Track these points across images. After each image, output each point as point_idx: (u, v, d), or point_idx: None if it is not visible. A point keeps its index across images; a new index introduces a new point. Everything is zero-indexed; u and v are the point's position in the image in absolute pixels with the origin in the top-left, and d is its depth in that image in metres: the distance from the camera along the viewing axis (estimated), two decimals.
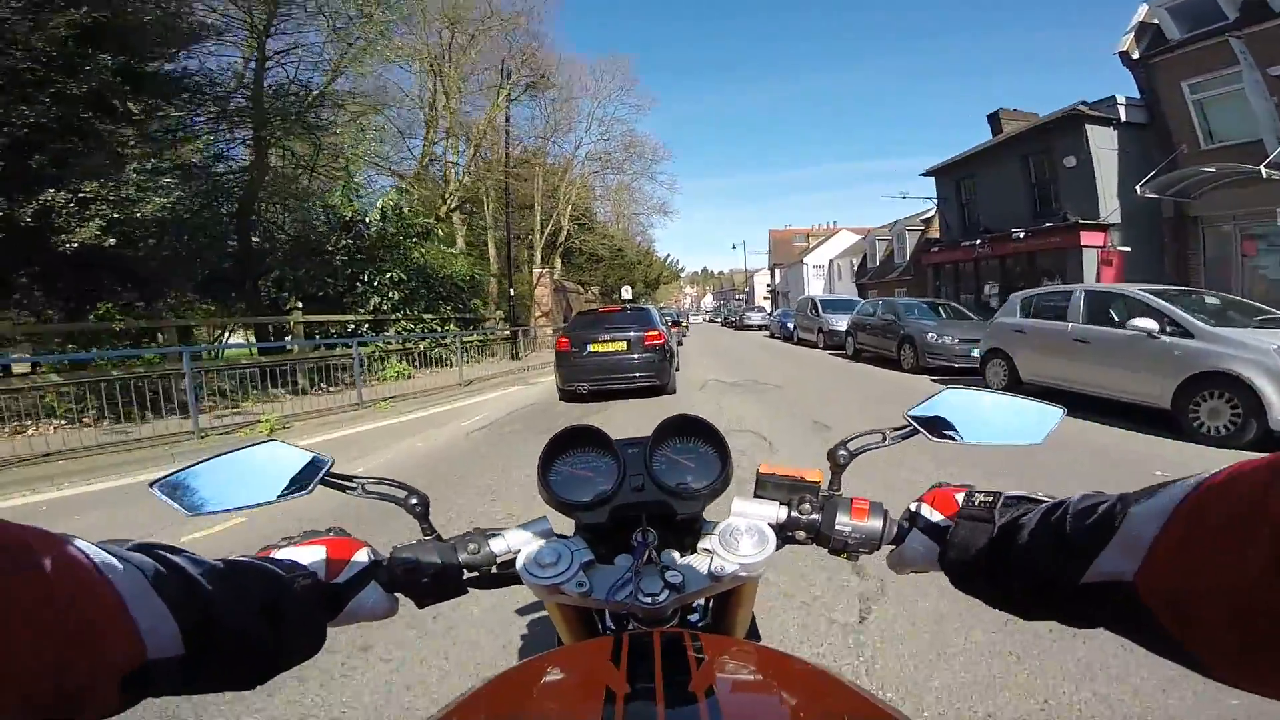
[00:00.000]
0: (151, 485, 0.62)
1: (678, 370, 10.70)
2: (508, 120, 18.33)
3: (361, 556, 0.61)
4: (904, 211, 27.86)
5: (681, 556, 0.67)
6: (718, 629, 0.75)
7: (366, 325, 12.53)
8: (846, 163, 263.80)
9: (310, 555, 0.58)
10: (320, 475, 0.67)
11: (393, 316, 12.96)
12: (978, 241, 17.61)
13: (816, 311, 19.74)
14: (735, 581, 0.64)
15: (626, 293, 26.60)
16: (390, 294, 12.76)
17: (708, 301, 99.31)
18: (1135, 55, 14.43)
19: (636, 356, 8.75)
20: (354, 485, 0.68)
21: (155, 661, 0.36)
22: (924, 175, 21.53)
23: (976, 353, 11.09)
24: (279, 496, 0.65)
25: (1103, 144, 14.71)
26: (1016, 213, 16.78)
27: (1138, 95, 14.68)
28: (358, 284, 12.35)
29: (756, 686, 0.49)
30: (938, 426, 0.71)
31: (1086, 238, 14.44)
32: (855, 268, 34.39)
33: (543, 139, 28.04)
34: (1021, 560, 0.47)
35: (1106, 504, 0.41)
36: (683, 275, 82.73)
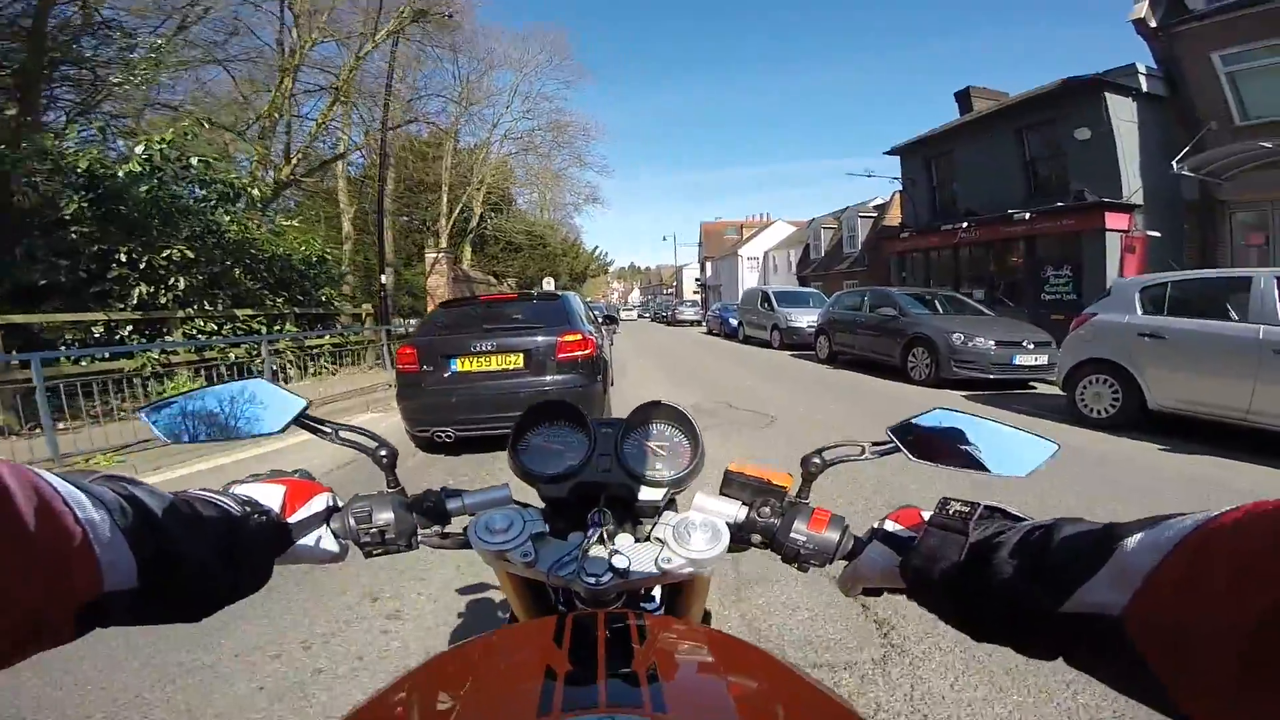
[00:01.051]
0: (138, 410, 0.69)
1: (612, 385, 7.11)
2: (392, 63, 13.91)
3: (319, 501, 0.62)
4: (855, 197, 25.44)
5: (634, 542, 0.65)
6: (670, 615, 0.74)
7: (130, 327, 8.09)
8: (780, 162, 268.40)
9: (270, 493, 0.59)
10: (295, 416, 0.67)
11: (178, 314, 8.54)
12: (964, 225, 14.89)
13: (769, 305, 16.69)
14: (682, 575, 0.63)
15: (549, 285, 22.63)
16: (172, 281, 8.35)
17: (635, 297, 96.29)
18: (1153, 23, 11.98)
19: (546, 380, 5.04)
20: (328, 430, 0.68)
21: (110, 593, 0.36)
22: (888, 154, 18.83)
23: (1024, 359, 8.19)
24: (256, 433, 0.67)
25: (1123, 115, 12.29)
26: (1008, 194, 14.24)
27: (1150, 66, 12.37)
28: (113, 266, 7.89)
29: (699, 667, 0.49)
30: (920, 445, 0.67)
31: (1112, 219, 11.88)
32: (794, 259, 31.93)
33: (457, 105, 23.51)
34: (995, 581, 0.44)
35: (1095, 531, 0.39)
36: (610, 270, 79.14)
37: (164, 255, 8.19)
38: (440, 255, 16.71)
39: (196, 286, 8.77)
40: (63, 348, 7.41)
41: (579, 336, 5.13)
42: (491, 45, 25.44)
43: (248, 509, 0.54)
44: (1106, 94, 12.17)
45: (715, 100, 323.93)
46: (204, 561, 0.45)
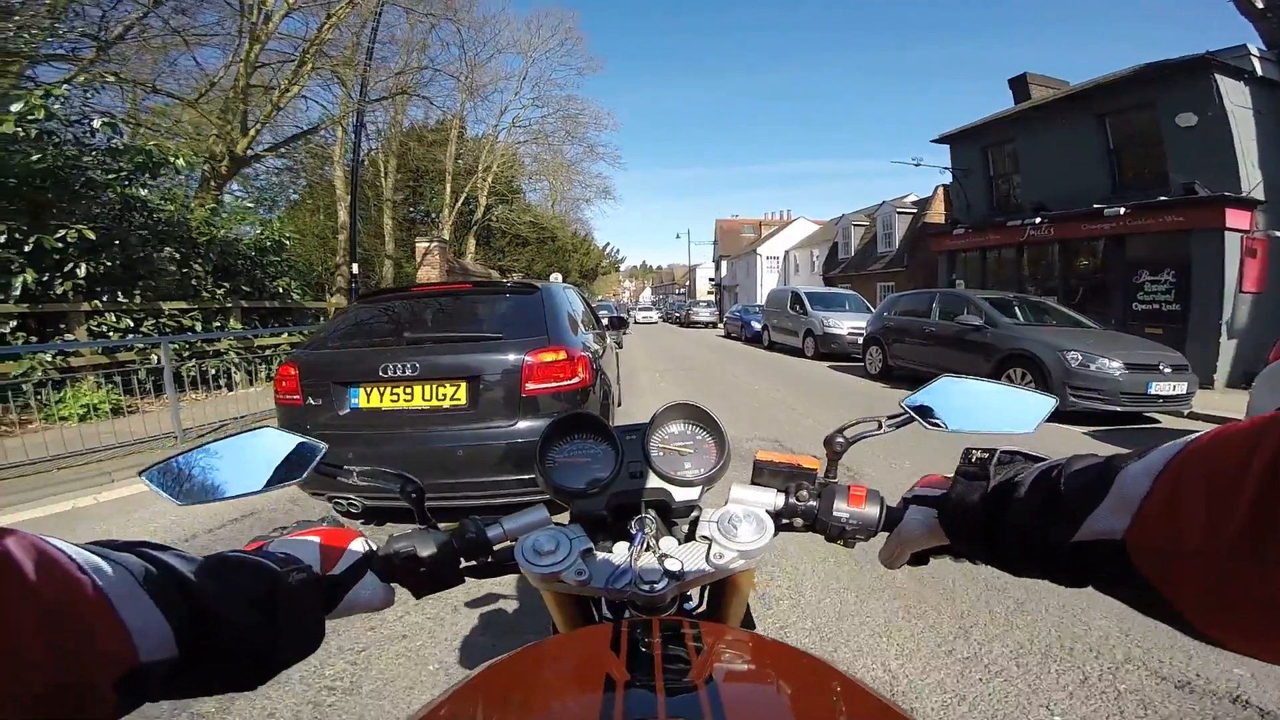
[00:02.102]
0: (141, 474, 0.60)
1: (619, 406, 5.21)
2: (375, 24, 12.08)
3: (357, 546, 0.60)
4: (879, 195, 23.38)
5: (679, 544, 0.65)
6: (713, 616, 0.72)
7: (14, 323, 6.34)
8: (799, 160, 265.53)
9: (305, 546, 0.57)
10: (315, 463, 0.65)
11: (81, 308, 6.78)
12: (1035, 221, 12.82)
13: (801, 308, 14.77)
14: (734, 569, 0.63)
15: (555, 279, 20.81)
16: (71, 267, 6.57)
17: (646, 296, 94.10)
18: (1260, 3, 9.87)
19: (501, 428, 3.11)
20: (347, 472, 0.67)
21: (148, 664, 0.35)
22: (937, 142, 16.73)
23: (1161, 388, 6.27)
24: (270, 484, 0.63)
25: (1237, 100, 10.16)
26: (1087, 186, 12.14)
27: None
28: None
29: (756, 676, 0.49)
30: (932, 414, 0.70)
31: (1232, 217, 9.82)
32: (818, 259, 29.91)
33: (462, 89, 21.69)
34: (1015, 518, 0.46)
35: (1099, 464, 0.41)
36: (621, 268, 77.22)
37: (58, 236, 6.42)
38: (432, 245, 14.89)
39: (105, 274, 7.00)
40: None
41: (563, 355, 3.19)
42: (499, 28, 23.95)
43: (289, 568, 0.50)
44: (1217, 75, 10.07)
45: (731, 96, 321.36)
46: (246, 624, 0.43)
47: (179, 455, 0.62)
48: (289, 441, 0.66)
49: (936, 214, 19.95)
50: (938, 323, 8.82)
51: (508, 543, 0.66)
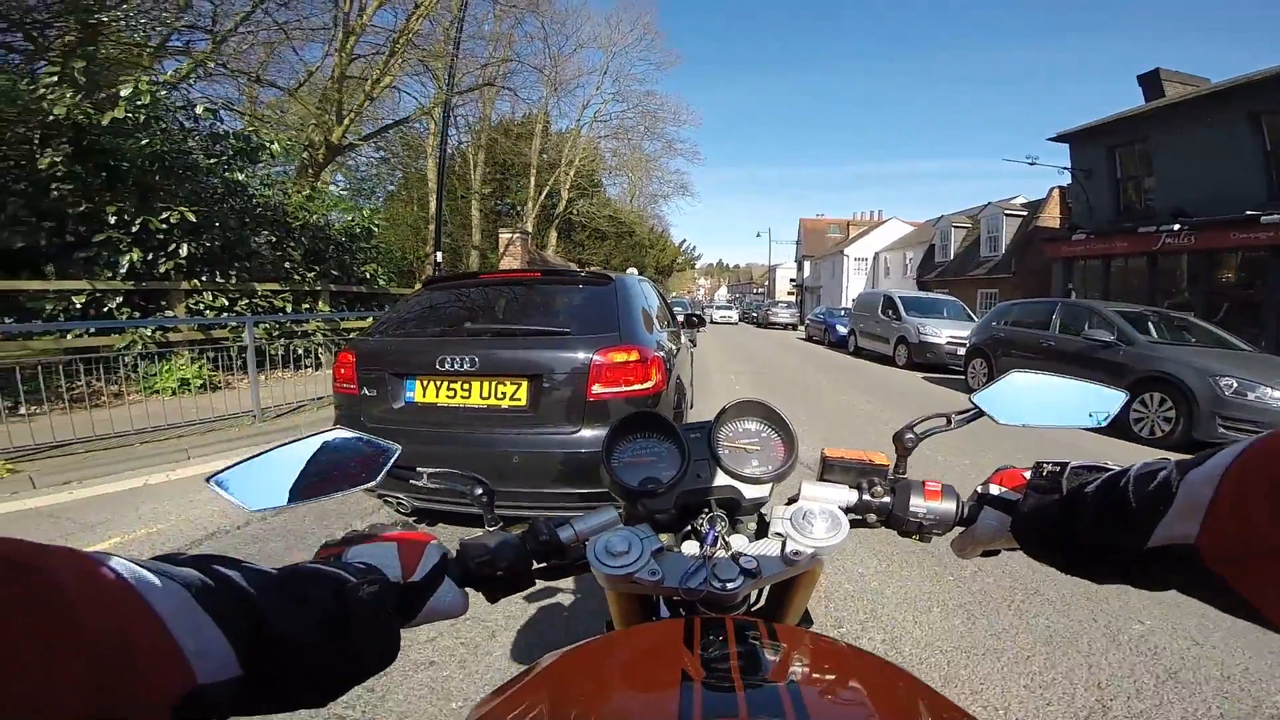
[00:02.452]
0: (208, 480, 0.59)
1: (691, 408, 4.84)
2: (460, 14, 12.17)
3: (434, 551, 0.57)
4: (977, 199, 21.67)
5: (749, 541, 0.65)
6: (773, 614, 0.72)
7: (120, 299, 6.69)
8: (890, 161, 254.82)
9: (381, 553, 0.55)
10: (389, 465, 0.64)
11: (181, 286, 7.10)
12: (1175, 226, 11.35)
13: (895, 313, 13.79)
14: (808, 565, 0.63)
15: (632, 274, 20.63)
16: (173, 247, 6.87)
17: (722, 294, 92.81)
18: None
19: (562, 436, 2.76)
20: (419, 474, 0.67)
21: (208, 685, 0.33)
22: (1054, 140, 15.24)
23: None
24: (345, 489, 0.62)
25: None
26: (1237, 192, 10.64)
27: None
28: (104, 228, 6.49)
29: (836, 678, 0.47)
30: (1003, 409, 0.69)
31: None
32: (911, 261, 28.24)
33: (547, 83, 21.96)
34: (1088, 527, 0.47)
35: (1165, 471, 0.41)
36: (697, 265, 76.49)
37: (162, 218, 6.72)
38: (515, 236, 14.99)
39: (205, 255, 7.29)
40: (39, 321, 6.10)
41: (636, 355, 2.83)
42: (580, 23, 24.16)
43: (364, 579, 0.48)
44: None
45: (818, 93, 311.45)
46: (313, 641, 0.41)
47: (250, 459, 0.61)
48: (360, 443, 0.65)
49: (1050, 217, 18.28)
50: (1058, 336, 7.85)
51: (578, 543, 0.66)
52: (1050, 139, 15.45)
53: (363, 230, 9.59)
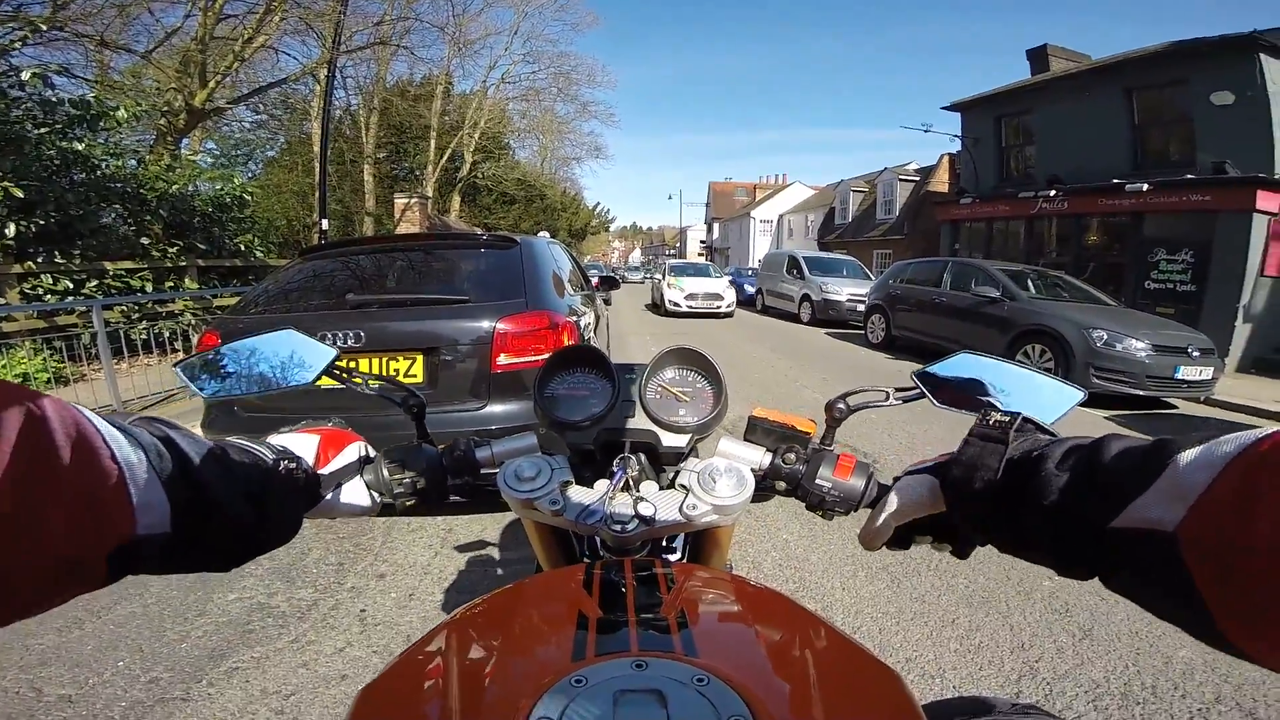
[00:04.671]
0: (175, 365, 0.66)
1: None
2: None
3: (353, 451, 0.61)
4: (876, 164, 22.63)
5: (661, 490, 0.63)
6: None
7: None
8: (797, 128, 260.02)
9: (304, 443, 0.57)
10: (325, 366, 0.66)
11: (13, 269, 6.07)
12: (1049, 194, 12.24)
13: (799, 273, 14.27)
14: (707, 523, 0.61)
15: (544, 237, 19.97)
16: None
17: (635, 257, 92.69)
18: None
19: (466, 413, 2.55)
20: (358, 379, 0.68)
21: (143, 537, 0.35)
22: (948, 109, 15.95)
23: (1189, 372, 5.89)
24: (288, 384, 0.66)
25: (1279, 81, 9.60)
26: (1107, 162, 11.57)
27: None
28: None
29: (726, 613, 0.49)
30: (946, 392, 0.66)
31: (1263, 199, 9.30)
32: (813, 224, 29.21)
33: (450, 43, 20.38)
34: (1040, 493, 0.42)
35: (1146, 447, 0.37)
36: (611, 229, 75.68)
37: None
38: (413, 200, 14.01)
39: (39, 234, 6.25)
40: None
41: (544, 321, 2.66)
42: None
43: (281, 459, 0.52)
44: (1262, 55, 9.46)
45: (729, 59, 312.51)
46: (237, 511, 0.44)
47: (210, 351, 0.67)
48: (307, 345, 0.68)
49: (940, 182, 19.31)
50: (949, 293, 8.31)
51: (494, 465, 0.65)
52: (944, 108, 16.19)
53: (234, 199, 8.57)
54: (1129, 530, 0.36)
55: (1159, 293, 10.59)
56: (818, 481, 0.63)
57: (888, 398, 0.67)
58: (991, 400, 0.64)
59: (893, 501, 0.57)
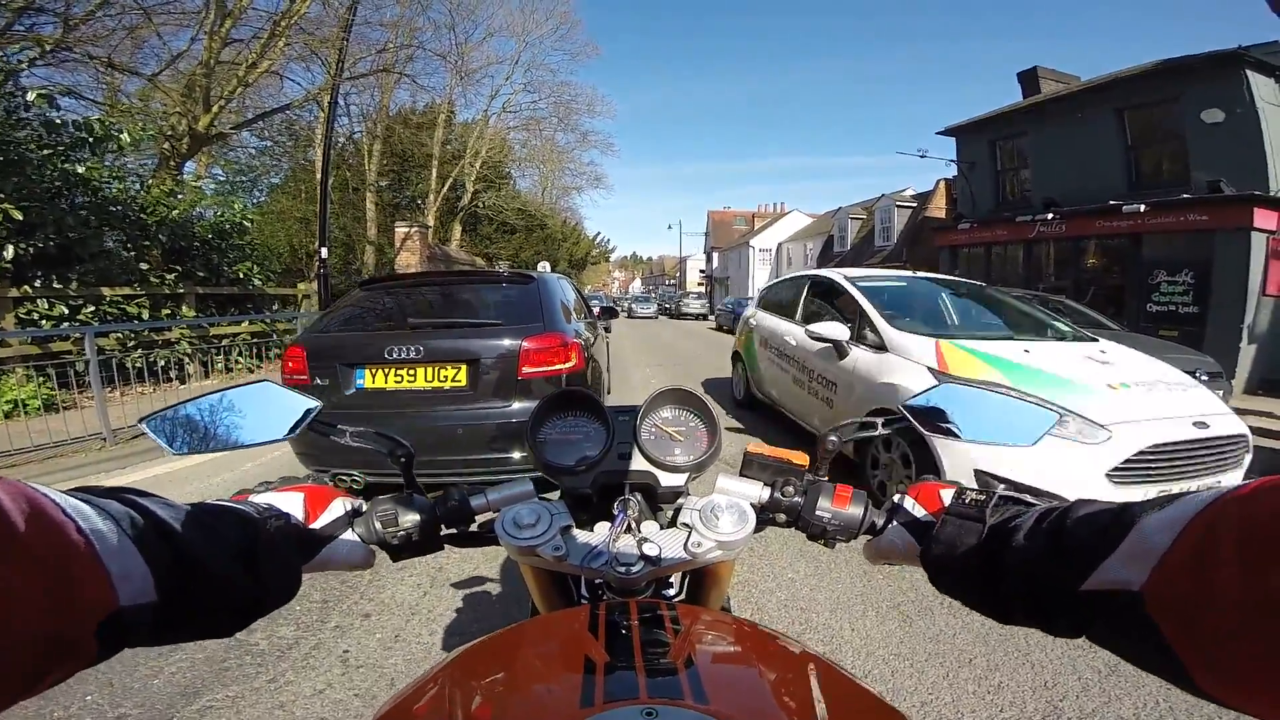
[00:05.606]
0: (141, 420, 0.61)
1: (609, 394, 5.50)
2: (355, 7, 11.14)
3: (339, 505, 0.60)
4: (873, 191, 22.87)
5: (662, 529, 0.64)
6: (691, 605, 0.69)
7: None
8: (795, 156, 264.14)
9: (288, 500, 0.57)
10: (308, 420, 0.65)
11: (9, 294, 6.03)
12: (1046, 217, 12.27)
13: None
14: (711, 559, 0.61)
15: (544, 268, 20.02)
16: None
17: (636, 287, 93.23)
18: None
19: (500, 408, 3.23)
20: (340, 431, 0.67)
21: (127, 608, 0.35)
22: (942, 134, 16.14)
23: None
24: (266, 439, 0.64)
25: (1268, 97, 9.67)
26: (1102, 183, 11.62)
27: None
28: None
29: (734, 656, 0.49)
30: (932, 419, 0.68)
31: (1261, 217, 9.29)
32: (811, 252, 29.36)
33: (453, 72, 20.74)
34: (1015, 562, 0.45)
35: (1111, 511, 0.40)
36: (611, 259, 76.27)
37: None
38: (412, 230, 14.10)
39: (38, 257, 6.23)
40: None
41: (557, 341, 3.34)
42: (492, 9, 23.05)
43: (268, 516, 0.51)
44: (1248, 71, 9.56)
45: (728, 90, 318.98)
46: (225, 571, 0.43)
47: (181, 404, 0.62)
48: (286, 397, 0.66)
49: (937, 208, 19.43)
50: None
51: (490, 514, 0.66)
52: (939, 133, 16.38)
53: (233, 226, 8.57)
54: (1100, 592, 0.38)
55: (1161, 315, 10.52)
56: (818, 512, 0.63)
57: (877, 429, 0.70)
58: (977, 422, 0.68)
59: (879, 546, 0.62)
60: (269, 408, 0.65)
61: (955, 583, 0.52)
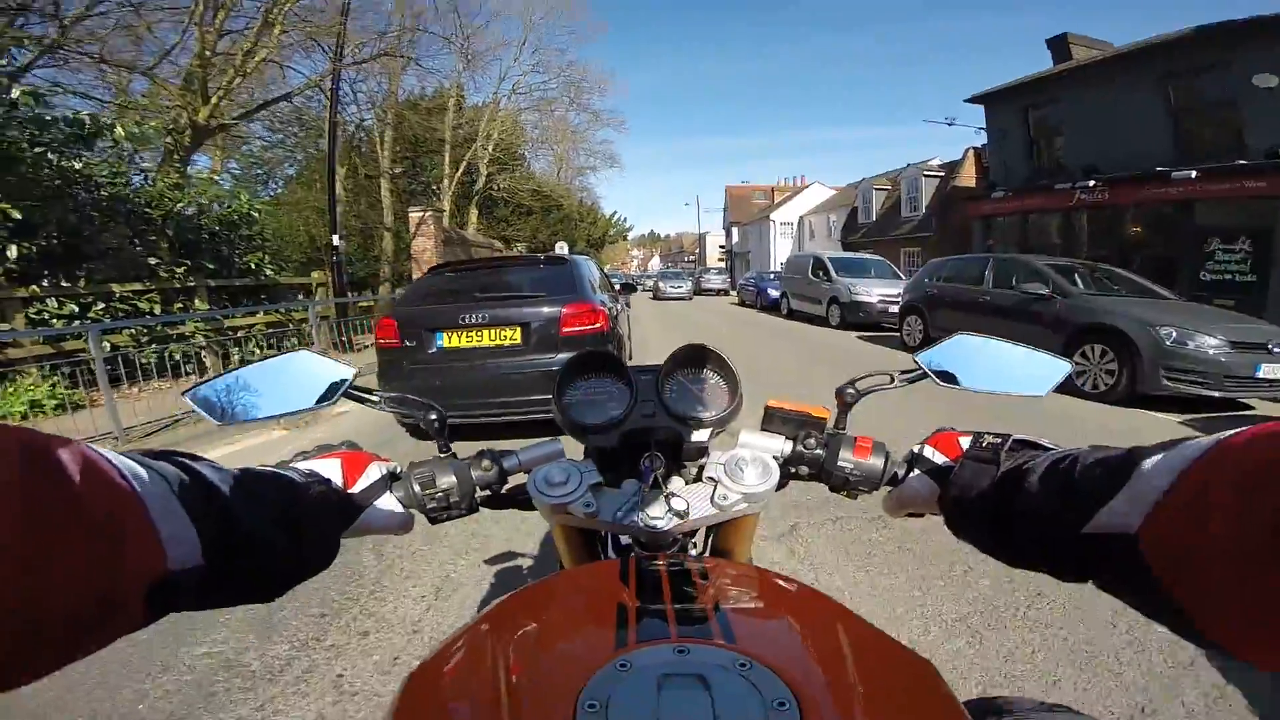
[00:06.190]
0: (184, 394, 0.62)
1: (630, 360, 5.72)
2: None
3: (376, 469, 0.61)
4: (894, 162, 22.05)
5: (687, 484, 0.65)
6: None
7: None
8: (814, 128, 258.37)
9: (326, 466, 0.58)
10: (344, 388, 0.66)
11: (17, 294, 5.92)
12: (1088, 184, 11.62)
13: (825, 275, 13.73)
14: (738, 512, 0.63)
15: (562, 249, 19.71)
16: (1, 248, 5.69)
17: (655, 264, 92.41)
18: None
19: (547, 359, 4.24)
20: (375, 399, 0.69)
21: (176, 572, 0.34)
22: (971, 101, 15.41)
23: (1270, 370, 5.33)
24: (305, 407, 0.66)
25: None
26: (1146, 150, 11.00)
27: None
28: None
29: (761, 603, 0.49)
30: (946, 371, 0.69)
31: None
32: (834, 224, 28.61)
33: (460, 56, 20.39)
34: (1024, 505, 0.46)
35: (1117, 456, 0.40)
36: (629, 237, 75.65)
37: None
38: (427, 214, 13.85)
39: (42, 256, 6.10)
40: None
41: (588, 308, 4.37)
42: None
43: (311, 481, 0.52)
44: None
45: (740, 61, 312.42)
46: (269, 537, 0.43)
47: (220, 376, 0.64)
48: (323, 366, 0.68)
49: (967, 177, 18.69)
50: (993, 291, 7.78)
51: (522, 474, 0.67)
52: (967, 100, 15.65)
53: (241, 217, 8.40)
54: (1098, 535, 0.37)
55: (1216, 284, 9.94)
56: (840, 463, 0.64)
57: (893, 380, 0.70)
58: (991, 374, 0.68)
59: (901, 495, 0.63)
60: (306, 377, 0.66)
61: (968, 525, 0.52)
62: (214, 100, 9.63)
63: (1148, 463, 0.36)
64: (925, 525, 1.84)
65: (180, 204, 7.44)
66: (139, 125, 7.93)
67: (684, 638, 0.38)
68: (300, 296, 9.68)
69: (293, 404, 0.65)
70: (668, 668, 0.35)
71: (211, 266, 7.78)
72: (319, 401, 0.65)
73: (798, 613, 0.47)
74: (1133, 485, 0.36)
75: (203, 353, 7.21)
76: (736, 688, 0.33)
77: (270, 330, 8.12)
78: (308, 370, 0.67)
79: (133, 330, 6.65)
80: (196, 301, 7.55)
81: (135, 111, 9.23)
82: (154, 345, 6.62)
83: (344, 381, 0.66)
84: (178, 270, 7.32)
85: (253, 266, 8.39)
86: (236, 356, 7.43)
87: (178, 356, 6.72)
